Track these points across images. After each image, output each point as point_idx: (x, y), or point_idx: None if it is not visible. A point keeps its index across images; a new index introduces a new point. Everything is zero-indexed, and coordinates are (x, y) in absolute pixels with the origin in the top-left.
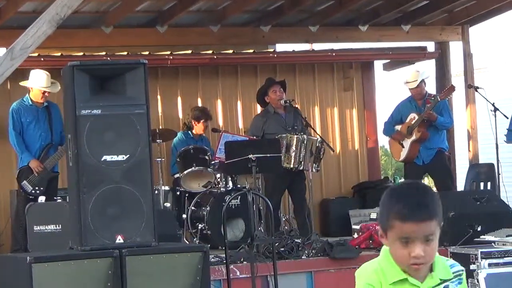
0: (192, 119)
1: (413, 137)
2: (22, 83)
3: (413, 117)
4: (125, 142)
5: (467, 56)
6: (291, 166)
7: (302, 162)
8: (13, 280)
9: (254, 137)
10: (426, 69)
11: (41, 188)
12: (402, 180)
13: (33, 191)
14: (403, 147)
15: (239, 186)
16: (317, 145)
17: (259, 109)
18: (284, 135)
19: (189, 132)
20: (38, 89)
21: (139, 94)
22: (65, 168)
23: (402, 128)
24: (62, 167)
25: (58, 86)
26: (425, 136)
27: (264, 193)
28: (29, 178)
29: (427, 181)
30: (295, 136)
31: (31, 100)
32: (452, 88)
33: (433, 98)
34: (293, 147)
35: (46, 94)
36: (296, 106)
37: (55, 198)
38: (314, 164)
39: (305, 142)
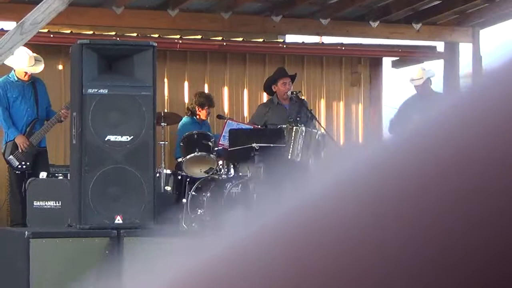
0: (196, 105)
1: None
2: (6, 62)
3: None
4: (129, 123)
5: (477, 59)
6: (289, 157)
7: (300, 154)
8: (11, 254)
9: (258, 126)
10: (434, 68)
11: (28, 163)
12: None
13: (19, 166)
14: None
15: (240, 174)
16: (317, 137)
17: (265, 98)
18: (285, 126)
19: (194, 117)
20: (19, 70)
21: (146, 76)
22: (67, 144)
23: None
24: (66, 144)
25: (41, 64)
26: None
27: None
28: (15, 153)
29: None
30: (295, 127)
31: (17, 76)
32: None
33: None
34: (292, 139)
35: (28, 73)
36: (303, 98)
37: (54, 175)
38: (312, 157)
39: (303, 134)
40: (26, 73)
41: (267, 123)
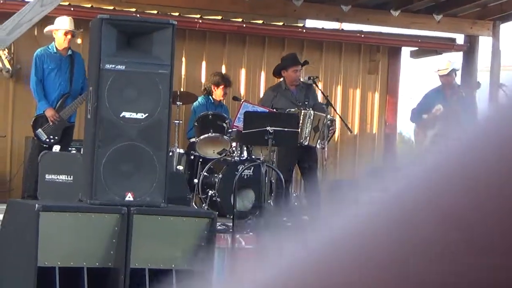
0: (212, 84)
1: (436, 130)
2: (46, 29)
3: (438, 108)
4: (145, 101)
5: (496, 53)
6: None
7: (308, 138)
8: (20, 225)
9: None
10: (457, 61)
11: (56, 138)
12: None
13: (47, 140)
14: (426, 137)
15: (253, 157)
16: (326, 122)
17: None
18: (293, 109)
19: (210, 97)
20: (61, 30)
21: (165, 55)
22: (82, 119)
23: (429, 117)
24: (80, 119)
25: (81, 29)
26: None
27: (276, 167)
28: (44, 126)
29: None
30: (303, 111)
31: (56, 48)
32: (478, 85)
33: (461, 92)
34: (300, 122)
35: (69, 37)
36: (310, 83)
37: (69, 148)
38: (319, 141)
39: (311, 118)
40: (66, 37)
41: (274, 107)
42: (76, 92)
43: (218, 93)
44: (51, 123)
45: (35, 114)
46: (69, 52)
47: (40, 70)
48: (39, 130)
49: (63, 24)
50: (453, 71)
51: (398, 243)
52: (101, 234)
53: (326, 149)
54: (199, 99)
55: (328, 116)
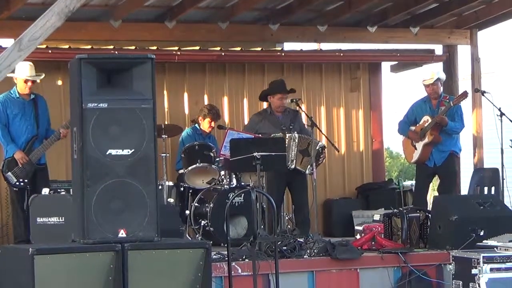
0: (199, 115)
1: (426, 140)
2: (9, 74)
3: (426, 119)
4: (130, 137)
5: (475, 60)
6: None
7: (294, 161)
8: (16, 271)
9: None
10: (441, 71)
11: (25, 180)
12: (406, 182)
13: (17, 183)
14: (415, 149)
15: (243, 183)
16: (317, 148)
17: (265, 107)
18: (278, 134)
19: (198, 127)
20: (21, 78)
21: (146, 89)
22: (62, 159)
23: (417, 129)
24: (68, 159)
25: (41, 75)
26: (437, 139)
27: (266, 191)
28: (14, 169)
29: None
30: (287, 134)
31: (18, 93)
32: (465, 94)
33: (447, 101)
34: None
35: (29, 83)
36: (297, 110)
37: (56, 190)
38: (309, 166)
39: (296, 141)
40: (26, 84)
41: (259, 132)
42: (42, 134)
43: (204, 125)
44: (20, 166)
45: (3, 158)
46: (32, 96)
47: (4, 115)
48: (9, 173)
49: (23, 71)
50: (438, 80)
51: None
52: (97, 273)
53: (315, 172)
54: (187, 130)
55: (320, 143)
